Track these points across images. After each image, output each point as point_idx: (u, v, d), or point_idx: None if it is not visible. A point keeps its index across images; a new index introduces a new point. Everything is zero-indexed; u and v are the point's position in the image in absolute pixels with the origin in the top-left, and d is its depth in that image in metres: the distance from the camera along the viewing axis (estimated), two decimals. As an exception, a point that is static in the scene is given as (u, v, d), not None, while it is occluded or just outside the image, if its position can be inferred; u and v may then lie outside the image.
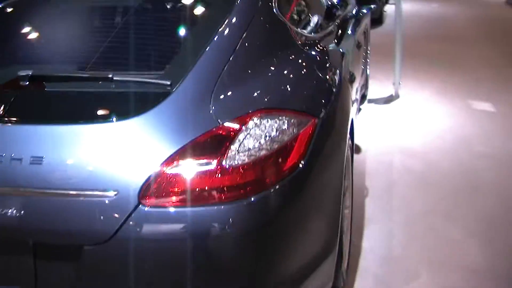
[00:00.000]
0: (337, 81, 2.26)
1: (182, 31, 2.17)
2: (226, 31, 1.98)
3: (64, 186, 1.62)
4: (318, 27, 2.75)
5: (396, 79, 5.75)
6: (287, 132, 1.71)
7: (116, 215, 1.58)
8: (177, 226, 1.59)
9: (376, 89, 5.87)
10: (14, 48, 2.33)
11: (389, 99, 5.71)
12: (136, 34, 2.17)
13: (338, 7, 3.60)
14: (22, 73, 1.88)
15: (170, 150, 1.60)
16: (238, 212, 1.60)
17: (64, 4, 2.56)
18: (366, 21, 4.50)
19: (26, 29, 2.45)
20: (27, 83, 1.87)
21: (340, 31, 3.06)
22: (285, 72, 2.05)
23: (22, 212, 1.64)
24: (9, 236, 1.71)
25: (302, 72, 2.13)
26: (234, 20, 2.03)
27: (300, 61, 2.18)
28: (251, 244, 1.64)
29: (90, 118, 1.72)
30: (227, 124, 1.66)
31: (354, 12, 3.94)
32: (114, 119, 1.69)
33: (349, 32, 3.32)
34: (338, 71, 2.37)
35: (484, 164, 4.09)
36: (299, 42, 2.30)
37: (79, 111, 1.80)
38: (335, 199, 2.00)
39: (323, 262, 1.94)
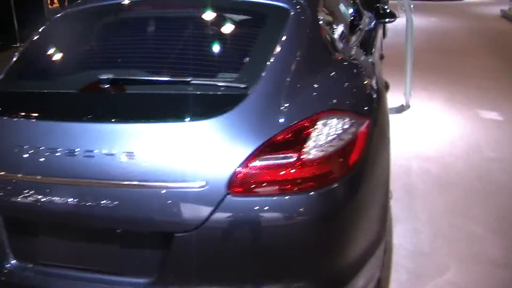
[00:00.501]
0: (376, 87, 2.49)
1: (250, 40, 2.36)
2: (287, 42, 2.20)
3: (156, 179, 1.81)
4: (346, 38, 2.98)
5: (407, 89, 5.99)
6: (349, 131, 1.93)
7: (206, 205, 1.78)
8: (260, 214, 1.79)
9: (388, 99, 6.11)
10: (90, 54, 2.56)
11: (400, 109, 5.96)
12: (208, 42, 2.40)
13: (358, 19, 3.85)
14: (103, 76, 2.11)
15: (252, 145, 1.81)
16: (313, 201, 1.81)
17: (137, 13, 2.76)
18: (380, 33, 4.76)
19: (103, 36, 2.68)
20: (108, 86, 2.10)
21: (363, 43, 3.31)
22: (339, 78, 2.29)
23: (116, 203, 1.83)
24: (101, 226, 1.91)
25: (352, 78, 2.37)
26: (292, 31, 2.26)
27: (348, 69, 2.43)
28: (325, 230, 1.86)
29: (180, 117, 1.91)
30: (300, 123, 1.87)
31: (373, 24, 4.21)
32: (201, 118, 1.89)
33: (373, 43, 3.58)
34: (375, 79, 2.61)
35: (495, 167, 4.34)
36: (341, 53, 2.56)
37: (168, 111, 1.99)
38: (385, 192, 2.23)
39: (376, 250, 2.15)
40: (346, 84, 2.27)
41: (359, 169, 1.95)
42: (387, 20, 4.51)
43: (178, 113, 1.94)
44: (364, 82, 2.38)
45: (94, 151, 1.89)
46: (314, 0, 2.61)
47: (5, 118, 2.12)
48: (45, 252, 2.03)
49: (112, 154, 1.86)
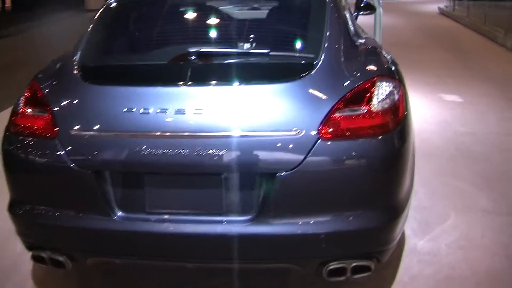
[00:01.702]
0: (394, 61, 3.02)
1: (305, 21, 2.90)
2: (332, 23, 2.71)
3: (262, 129, 2.27)
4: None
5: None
6: (395, 92, 2.45)
7: (302, 148, 2.25)
8: (344, 153, 2.28)
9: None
10: (170, 30, 3.00)
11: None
12: (274, 23, 2.94)
13: None
14: (192, 49, 2.53)
15: (332, 101, 2.31)
16: (381, 143, 2.33)
17: None
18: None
19: (183, 13, 3.14)
20: (194, 57, 2.52)
21: None
22: (374, 51, 2.87)
23: (224, 150, 2.24)
24: (208, 172, 2.32)
25: (381, 52, 2.91)
26: (333, 16, 2.76)
27: (375, 44, 2.98)
28: (390, 167, 2.38)
29: (276, 80, 2.41)
30: (364, 83, 2.39)
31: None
32: (292, 79, 2.39)
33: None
34: (389, 55, 3.14)
35: (468, 140, 5.00)
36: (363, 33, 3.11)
37: (265, 76, 2.49)
38: (413, 144, 2.76)
39: (411, 192, 2.68)
40: (381, 56, 2.81)
41: (404, 123, 2.47)
42: (367, 12, 5.11)
43: (274, 77, 2.45)
44: (388, 56, 2.92)
45: (202, 109, 2.31)
46: None
47: (111, 86, 2.52)
48: (150, 202, 2.37)
49: (219, 110, 2.31)
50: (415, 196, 3.72)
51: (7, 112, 2.78)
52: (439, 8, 16.19)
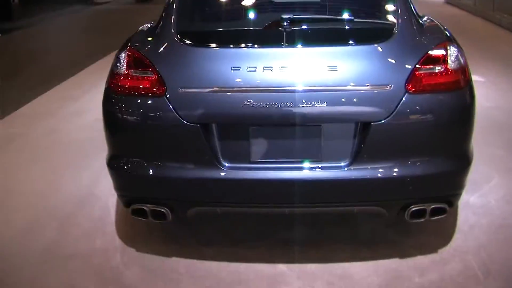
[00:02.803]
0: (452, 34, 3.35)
1: (381, 2, 3.25)
2: (402, 3, 3.02)
3: (358, 84, 2.60)
4: None
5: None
6: (461, 55, 2.79)
7: (393, 100, 2.60)
8: (428, 105, 2.63)
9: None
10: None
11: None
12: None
13: None
14: (284, 16, 2.84)
15: (414, 60, 2.65)
16: (457, 96, 2.70)
17: None
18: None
19: None
20: (287, 23, 2.82)
21: None
22: (433, 21, 3.24)
23: (325, 103, 2.56)
24: (309, 123, 2.63)
25: (441, 26, 3.25)
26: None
27: (434, 21, 3.33)
28: (464, 118, 2.75)
29: (363, 42, 2.80)
30: (439, 45, 2.75)
31: None
32: (376, 41, 2.76)
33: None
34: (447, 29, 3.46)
35: (494, 112, 5.37)
36: None
37: (351, 38, 2.85)
38: None
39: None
40: (442, 29, 3.16)
41: (471, 82, 2.80)
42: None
43: (363, 40, 2.82)
44: (447, 30, 3.26)
45: (304, 67, 2.64)
46: None
47: (217, 48, 2.85)
48: (255, 152, 2.68)
49: (317, 68, 2.64)
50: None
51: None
52: (444, -3, 16.45)
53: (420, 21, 3.09)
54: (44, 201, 3.75)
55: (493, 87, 6.35)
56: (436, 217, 2.82)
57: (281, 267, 2.91)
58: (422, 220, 2.81)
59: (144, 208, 2.82)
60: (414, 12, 3.09)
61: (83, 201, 3.71)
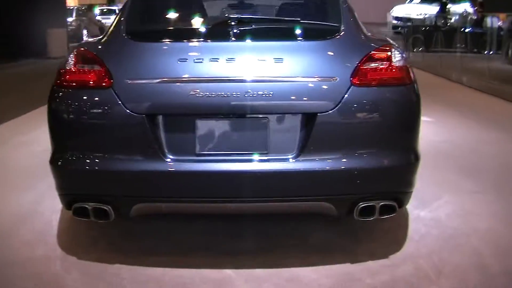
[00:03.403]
0: None
1: (325, 4, 3.37)
2: (346, 10, 3.11)
3: (304, 76, 2.64)
4: None
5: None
6: (405, 59, 2.85)
7: (339, 92, 2.63)
8: (372, 97, 2.67)
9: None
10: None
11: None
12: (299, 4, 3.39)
13: None
14: (233, 16, 2.93)
15: (360, 56, 2.71)
16: (402, 92, 2.76)
17: None
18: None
19: None
20: (235, 22, 2.89)
21: None
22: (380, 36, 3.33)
23: (271, 93, 2.58)
24: (256, 113, 2.64)
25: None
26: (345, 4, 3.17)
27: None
28: (408, 113, 2.79)
29: (314, 38, 2.89)
30: (383, 47, 2.81)
31: None
32: (322, 38, 2.86)
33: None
34: None
35: (443, 145, 5.48)
36: None
37: (298, 35, 2.95)
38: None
39: None
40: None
41: (416, 85, 2.86)
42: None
43: (309, 36, 2.93)
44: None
45: (251, 59, 2.67)
46: None
47: (165, 42, 2.91)
48: (201, 144, 2.64)
49: (264, 60, 2.66)
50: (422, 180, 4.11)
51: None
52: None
53: (365, 31, 3.19)
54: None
55: (441, 125, 6.54)
56: (385, 216, 2.80)
57: (228, 272, 2.82)
58: (372, 218, 2.78)
59: (86, 206, 2.72)
60: (358, 21, 3.17)
61: (26, 217, 3.54)
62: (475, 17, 17.36)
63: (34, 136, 5.89)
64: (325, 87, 2.66)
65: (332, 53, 2.78)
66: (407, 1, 23.48)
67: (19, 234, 3.28)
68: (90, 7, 24.61)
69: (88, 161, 2.69)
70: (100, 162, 2.68)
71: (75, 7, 24.52)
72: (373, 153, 2.70)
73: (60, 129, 2.79)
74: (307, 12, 3.32)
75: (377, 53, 2.76)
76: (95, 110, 2.68)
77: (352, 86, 2.65)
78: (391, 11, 22.48)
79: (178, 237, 3.24)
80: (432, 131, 6.13)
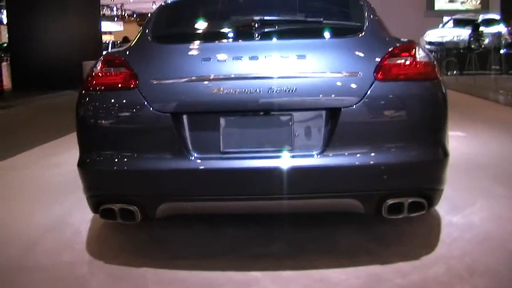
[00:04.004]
0: None
1: (347, 5, 3.42)
2: (369, 12, 3.13)
3: (324, 71, 2.65)
4: None
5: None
6: (430, 56, 2.83)
7: (363, 87, 2.61)
8: (395, 91, 2.65)
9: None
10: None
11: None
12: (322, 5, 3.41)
13: None
14: (256, 18, 2.94)
15: (382, 52, 2.70)
16: (425, 86, 2.73)
17: None
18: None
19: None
20: (258, 23, 2.92)
21: None
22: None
23: (295, 89, 2.59)
24: (275, 110, 2.64)
25: None
26: (367, 6, 3.20)
27: None
28: (434, 108, 2.74)
29: (331, 36, 2.93)
30: (407, 44, 2.82)
31: None
32: (347, 35, 2.90)
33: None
34: None
35: (477, 157, 5.39)
36: None
37: (323, 33, 2.96)
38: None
39: None
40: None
41: (441, 80, 2.82)
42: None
43: (332, 34, 2.96)
44: None
45: (275, 56, 2.69)
46: None
47: (192, 43, 2.98)
48: (225, 142, 2.64)
49: (287, 57, 2.67)
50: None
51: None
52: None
53: (389, 31, 3.17)
54: (9, 226, 3.62)
55: (474, 138, 6.44)
56: (414, 214, 2.73)
57: (255, 274, 2.77)
58: (401, 216, 2.72)
59: (113, 207, 2.74)
60: (382, 21, 3.17)
61: (54, 227, 3.57)
62: (509, 38, 17.15)
63: (64, 158, 5.98)
64: (348, 82, 2.64)
65: (354, 50, 2.77)
66: (440, 26, 23.34)
67: (46, 241, 3.30)
68: (125, 39, 25.19)
69: (115, 161, 2.72)
70: (126, 162, 2.70)
71: (111, 41, 25.25)
72: (398, 147, 2.65)
73: (87, 131, 2.84)
74: (329, 12, 3.33)
75: (400, 50, 2.74)
76: (121, 111, 2.73)
77: (375, 81, 2.63)
78: (424, 35, 22.35)
79: (204, 241, 3.22)
80: (464, 145, 6.05)
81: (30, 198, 4.34)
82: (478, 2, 25.87)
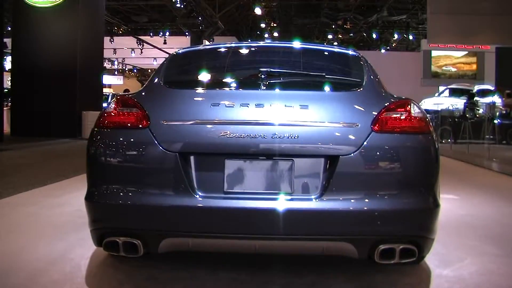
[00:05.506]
0: None
1: (348, 64, 3.61)
2: (368, 70, 3.36)
3: (325, 121, 2.83)
4: None
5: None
6: (424, 113, 3.03)
7: (360, 137, 2.80)
8: (391, 143, 2.83)
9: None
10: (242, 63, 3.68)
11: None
12: (328, 65, 3.60)
13: None
14: (263, 69, 3.14)
15: (380, 106, 2.91)
16: (420, 139, 2.90)
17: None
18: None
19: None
20: (265, 76, 3.12)
21: None
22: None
23: (296, 136, 2.77)
24: (277, 155, 2.80)
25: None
26: (366, 64, 3.43)
27: None
28: (426, 159, 2.91)
29: (334, 89, 3.13)
30: (403, 100, 3.02)
31: None
32: (347, 90, 3.11)
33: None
34: None
35: (468, 218, 5.50)
36: None
37: (329, 87, 3.17)
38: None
39: None
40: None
41: (434, 135, 3.00)
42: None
43: (333, 88, 3.16)
44: None
45: (279, 105, 2.89)
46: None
47: (202, 89, 3.20)
48: (229, 182, 2.80)
49: (290, 106, 2.86)
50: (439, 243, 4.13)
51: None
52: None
53: (386, 88, 3.38)
54: (13, 258, 3.70)
55: (466, 202, 6.58)
56: (405, 260, 2.86)
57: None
58: (392, 262, 2.83)
59: (117, 240, 2.85)
60: (380, 80, 3.37)
61: (56, 261, 3.66)
62: (503, 108, 17.56)
63: (66, 199, 6.10)
64: (347, 132, 2.83)
65: (354, 103, 2.98)
66: (436, 94, 23.89)
67: (48, 274, 3.39)
68: (126, 91, 25.66)
69: (122, 195, 2.85)
70: (133, 197, 2.83)
71: (111, 93, 25.72)
72: (392, 195, 2.81)
73: (97, 166, 2.97)
74: (332, 68, 3.56)
75: (396, 105, 2.95)
76: (132, 148, 2.88)
77: (372, 132, 2.83)
78: (420, 103, 22.86)
79: (202, 283, 3.30)
80: (456, 206, 6.21)
81: (34, 234, 4.42)
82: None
